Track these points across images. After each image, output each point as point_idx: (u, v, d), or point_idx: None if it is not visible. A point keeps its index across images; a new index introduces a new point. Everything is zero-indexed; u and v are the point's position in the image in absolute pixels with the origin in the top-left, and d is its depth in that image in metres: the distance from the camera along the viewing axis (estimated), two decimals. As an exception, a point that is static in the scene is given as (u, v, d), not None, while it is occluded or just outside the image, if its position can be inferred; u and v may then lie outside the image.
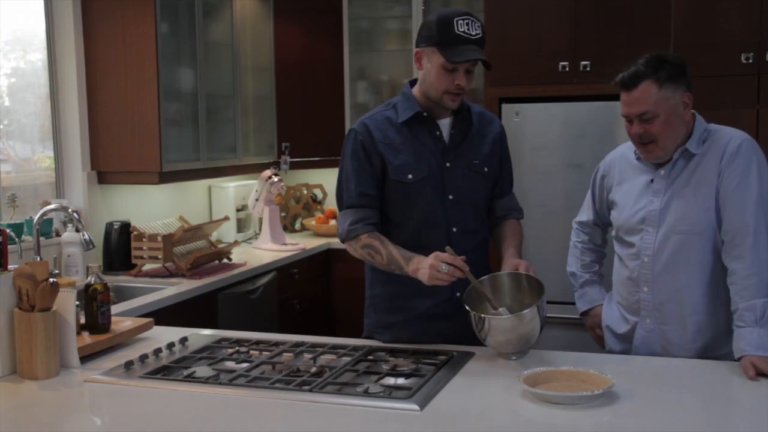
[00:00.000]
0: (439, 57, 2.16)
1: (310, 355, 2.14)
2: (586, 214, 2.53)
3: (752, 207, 2.08)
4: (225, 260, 3.90)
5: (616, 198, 2.35)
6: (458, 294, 2.21)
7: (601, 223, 2.50)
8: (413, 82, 2.33)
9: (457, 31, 2.13)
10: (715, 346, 2.19)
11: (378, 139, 2.25)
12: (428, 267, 2.07)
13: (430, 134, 2.27)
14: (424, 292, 2.19)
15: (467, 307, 2.07)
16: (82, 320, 2.29)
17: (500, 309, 2.11)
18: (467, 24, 2.14)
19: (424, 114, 2.26)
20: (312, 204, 5.31)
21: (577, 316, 2.59)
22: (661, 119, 2.13)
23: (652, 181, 2.24)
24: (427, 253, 2.15)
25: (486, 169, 2.32)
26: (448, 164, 2.27)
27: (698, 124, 2.21)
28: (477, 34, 2.15)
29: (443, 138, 2.28)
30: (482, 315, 2.04)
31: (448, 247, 2.09)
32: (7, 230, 2.23)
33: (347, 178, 2.28)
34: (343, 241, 2.31)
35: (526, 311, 2.00)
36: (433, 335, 2.28)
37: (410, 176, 2.23)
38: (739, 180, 2.11)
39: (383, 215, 2.29)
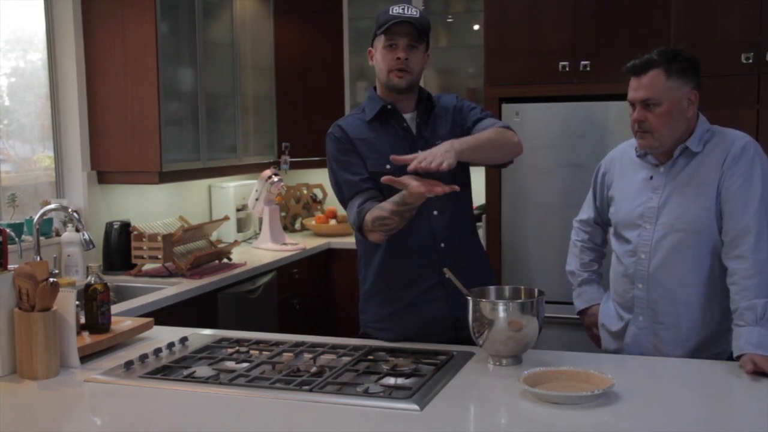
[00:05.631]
0: (380, 39, 2.30)
1: (310, 355, 2.14)
2: (586, 212, 2.54)
3: (754, 208, 2.09)
4: (225, 260, 3.90)
5: (615, 194, 2.36)
6: (447, 277, 2.23)
7: (602, 221, 2.51)
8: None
9: (392, 14, 2.26)
10: (707, 345, 2.20)
11: (353, 136, 2.35)
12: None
13: (399, 126, 2.35)
14: (412, 280, 2.28)
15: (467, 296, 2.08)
16: (82, 320, 2.29)
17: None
18: (403, 8, 2.27)
19: (389, 106, 2.34)
20: (312, 204, 5.31)
21: (576, 316, 2.59)
22: (663, 108, 2.15)
23: (651, 177, 2.25)
24: (405, 239, 2.25)
25: None
26: (419, 151, 2.28)
27: (701, 123, 2.22)
28: (412, 15, 2.26)
29: (410, 129, 2.35)
30: (479, 299, 2.04)
31: (446, 269, 2.13)
32: (7, 230, 2.23)
33: (340, 174, 2.35)
34: (360, 230, 2.26)
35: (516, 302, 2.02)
36: (425, 322, 2.29)
37: (388, 166, 2.27)
38: (742, 181, 2.11)
39: None
